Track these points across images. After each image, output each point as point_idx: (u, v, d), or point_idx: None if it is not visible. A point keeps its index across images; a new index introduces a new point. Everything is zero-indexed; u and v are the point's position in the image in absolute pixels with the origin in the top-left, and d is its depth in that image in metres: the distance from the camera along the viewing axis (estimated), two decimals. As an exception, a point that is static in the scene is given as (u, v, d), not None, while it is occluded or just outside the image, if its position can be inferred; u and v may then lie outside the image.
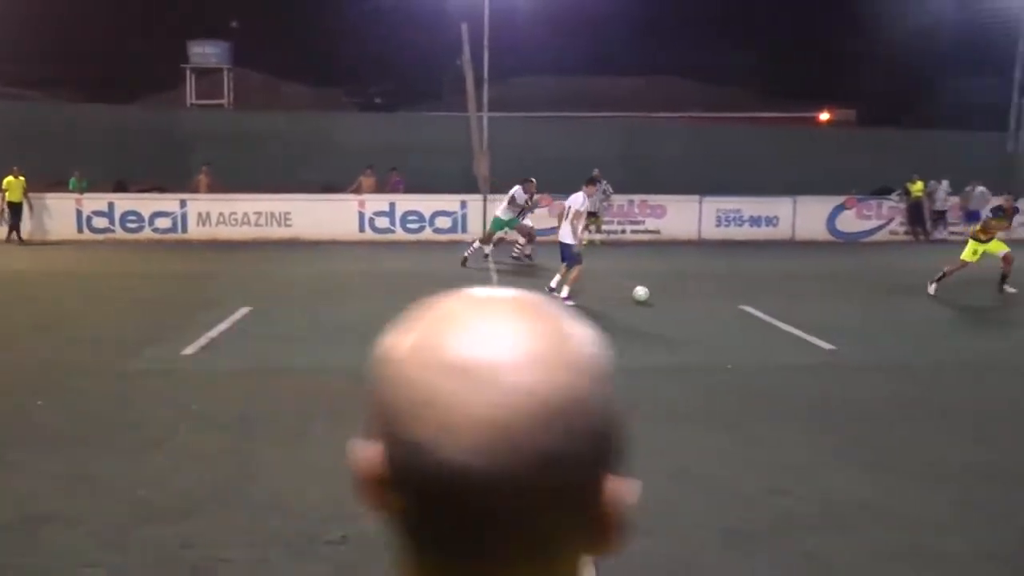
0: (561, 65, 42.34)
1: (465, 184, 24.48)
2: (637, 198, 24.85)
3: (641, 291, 13.87)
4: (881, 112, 36.55)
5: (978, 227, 15.93)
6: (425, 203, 24.34)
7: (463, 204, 24.30)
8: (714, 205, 25.06)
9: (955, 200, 26.31)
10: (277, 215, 23.87)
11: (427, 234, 24.09)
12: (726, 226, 25.02)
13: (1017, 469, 6.74)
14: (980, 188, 26.16)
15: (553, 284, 14.22)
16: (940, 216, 26.32)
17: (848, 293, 15.78)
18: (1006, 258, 15.23)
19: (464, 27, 24.75)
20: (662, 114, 33.99)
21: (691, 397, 8.68)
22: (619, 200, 24.25)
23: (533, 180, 18.72)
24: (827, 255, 22.11)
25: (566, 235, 14.11)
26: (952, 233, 26.28)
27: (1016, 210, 16.75)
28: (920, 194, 26.07)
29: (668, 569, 4.96)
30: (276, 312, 13.07)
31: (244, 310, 12.78)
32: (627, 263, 19.69)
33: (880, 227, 26.13)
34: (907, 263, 20.70)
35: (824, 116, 40.91)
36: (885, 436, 7.53)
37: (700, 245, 23.75)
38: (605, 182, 23.67)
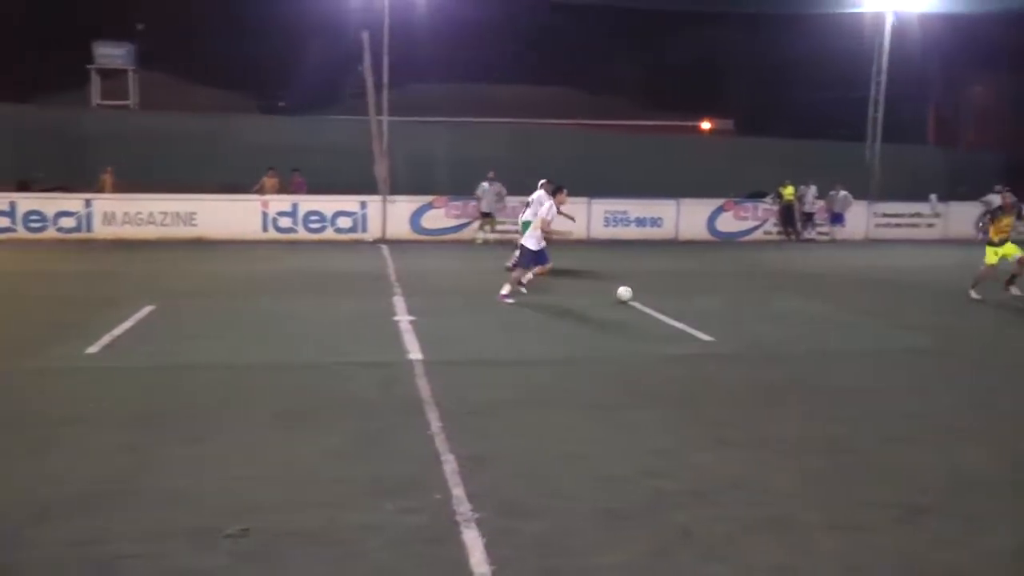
0: (457, 73, 42.31)
1: (365, 186, 24.27)
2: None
3: (625, 292, 13.71)
4: (757, 122, 37.47)
5: (991, 232, 15.44)
6: (327, 204, 24.09)
7: (363, 205, 24.12)
8: (602, 206, 25.40)
9: (822, 203, 27.21)
10: (182, 215, 23.33)
11: (329, 234, 23.84)
12: (614, 226, 25.37)
13: (863, 443, 7.02)
14: (843, 192, 27.17)
15: (523, 289, 14.24)
16: (809, 217, 27.20)
17: (726, 288, 16.16)
18: (1021, 261, 15.04)
19: (365, 35, 24.52)
20: (553, 121, 34.19)
21: (576, 386, 8.79)
22: (512, 202, 24.32)
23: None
24: (707, 253, 22.62)
25: (529, 240, 14.00)
26: (820, 233, 27.18)
27: (1016, 204, 16.47)
28: (791, 197, 26.90)
29: (548, 547, 5.02)
30: (180, 311, 12.76)
31: (148, 308, 12.44)
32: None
33: (755, 227, 26.87)
34: (780, 260, 21.32)
35: (705, 125, 41.75)
36: (754, 418, 7.76)
37: (589, 244, 24.00)
38: (499, 184, 23.77)
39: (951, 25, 31.78)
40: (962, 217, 28.23)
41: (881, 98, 29.04)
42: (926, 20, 30.22)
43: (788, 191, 26.87)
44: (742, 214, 26.77)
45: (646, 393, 8.55)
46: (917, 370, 10.10)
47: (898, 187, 28.42)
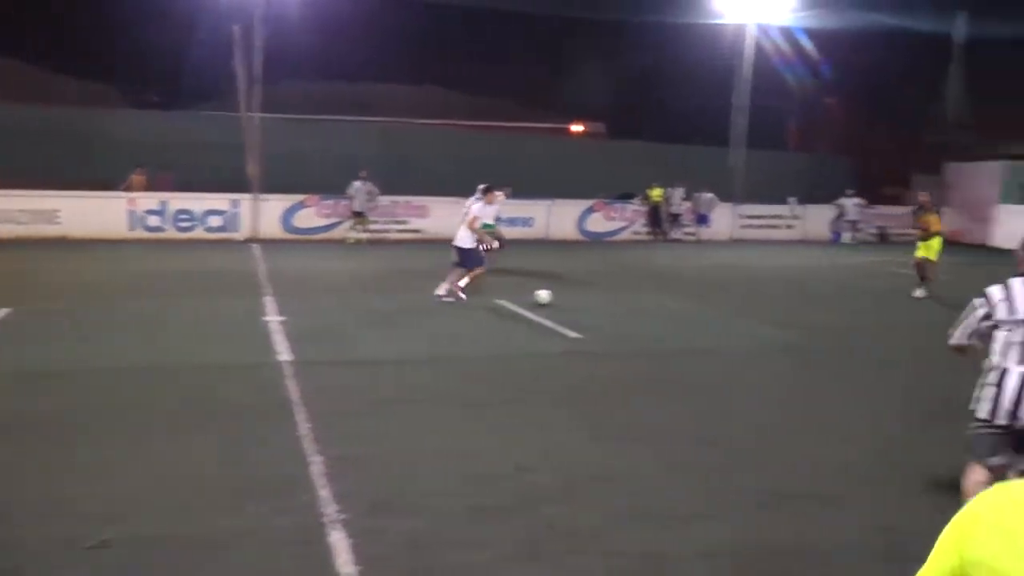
0: (332, 70, 41.64)
1: (237, 184, 23.63)
2: (401, 199, 24.87)
3: (544, 294, 13.54)
4: (628, 126, 38.11)
5: (918, 231, 16.41)
6: (197, 201, 23.36)
7: (235, 203, 23.51)
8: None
9: (688, 204, 27.94)
10: (44, 212, 22.22)
11: (199, 233, 23.12)
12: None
13: (729, 435, 7.22)
14: (708, 194, 27.99)
15: (441, 292, 13.76)
16: (675, 218, 27.90)
17: (595, 287, 16.39)
18: (920, 264, 15.90)
19: (236, 29, 23.92)
20: (427, 121, 34.05)
21: (447, 385, 8.75)
22: (384, 200, 24.18)
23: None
24: (578, 253, 22.91)
25: (463, 240, 13.83)
26: (686, 233, 27.87)
27: (932, 204, 17.12)
28: (659, 199, 27.52)
29: (417, 546, 4.97)
30: (40, 314, 12.06)
31: (4, 311, 11.80)
32: (392, 261, 19.68)
33: (624, 228, 27.43)
34: (648, 260, 21.77)
35: (578, 128, 42.24)
36: (623, 413, 7.89)
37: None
38: (371, 183, 23.54)
39: (809, 38, 33.08)
40: (818, 219, 29.58)
41: (744, 106, 29.99)
42: (786, 34, 31.41)
43: (656, 193, 27.51)
44: (611, 215, 27.27)
45: (517, 390, 8.58)
46: (781, 364, 10.47)
47: (761, 190, 29.39)
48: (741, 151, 30.01)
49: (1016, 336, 4.86)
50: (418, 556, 4.85)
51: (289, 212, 24.10)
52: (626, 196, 27.82)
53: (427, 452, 6.58)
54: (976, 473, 4.92)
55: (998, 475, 4.78)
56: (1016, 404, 4.79)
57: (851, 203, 29.29)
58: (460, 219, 14.42)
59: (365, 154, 24.85)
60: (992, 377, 4.91)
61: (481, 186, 15.07)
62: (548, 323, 12.10)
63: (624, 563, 4.89)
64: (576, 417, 7.71)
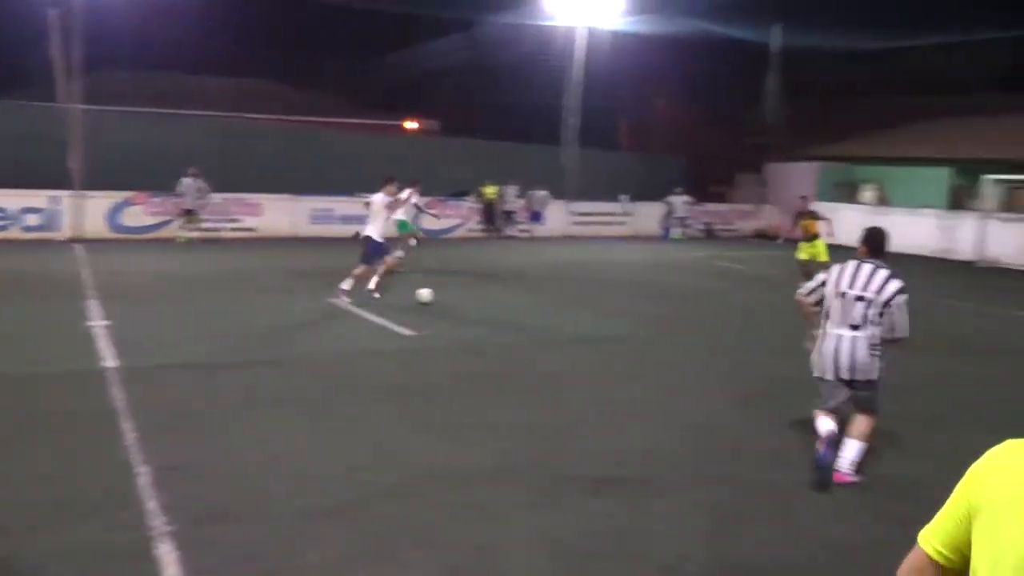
0: (158, 61, 40.04)
1: (58, 179, 22.39)
2: (233, 196, 24.24)
3: (425, 293, 13.59)
4: (462, 124, 38.31)
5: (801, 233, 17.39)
6: (12, 198, 21.96)
7: (55, 200, 22.28)
8: (308, 204, 25.10)
9: (522, 202, 28.41)
10: None
11: (15, 232, 21.72)
12: (321, 224, 25.14)
13: (563, 426, 7.45)
14: (542, 192, 28.55)
15: (346, 286, 13.55)
16: (509, 215, 28.33)
17: (430, 284, 16.40)
18: (807, 264, 16.37)
19: (52, 13, 22.72)
20: (259, 115, 33.27)
21: (279, 387, 8.64)
22: (216, 198, 23.52)
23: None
24: (413, 250, 22.81)
25: (374, 232, 13.88)
26: (520, 230, 28.30)
27: (811, 212, 18.04)
28: (493, 196, 27.87)
29: (250, 553, 4.93)
30: None
31: None
32: (226, 261, 19.22)
33: (459, 225, 27.61)
34: (483, 256, 22.03)
35: (411, 125, 42.16)
36: (459, 408, 8.03)
37: (295, 242, 23.63)
38: (202, 180, 22.86)
39: (640, 43, 34.16)
40: (649, 216, 30.68)
41: (577, 106, 30.71)
42: (617, 37, 32.33)
43: (490, 190, 27.87)
44: (446, 212, 27.37)
45: (350, 390, 8.57)
46: (614, 354, 10.89)
47: (593, 188, 30.18)
48: (574, 150, 30.74)
49: (836, 303, 6.43)
50: (252, 564, 4.81)
51: (115, 210, 23.08)
52: (460, 193, 28.01)
53: (259, 456, 6.52)
54: (821, 414, 6.47)
55: (836, 413, 6.43)
56: (834, 358, 6.39)
57: (680, 201, 30.48)
58: (369, 214, 14.39)
59: (197, 150, 24.03)
60: (821, 340, 6.54)
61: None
62: (383, 321, 12.13)
63: (459, 557, 5.00)
64: (409, 415, 7.78)
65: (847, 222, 30.21)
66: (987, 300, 17.41)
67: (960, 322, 14.76)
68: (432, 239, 26.19)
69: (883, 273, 6.38)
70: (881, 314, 6.33)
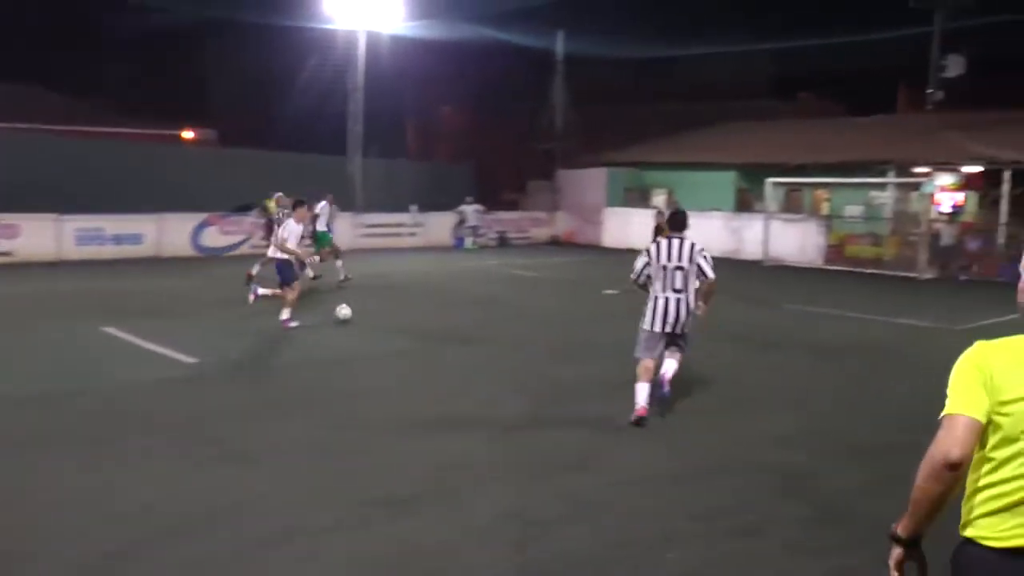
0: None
1: None
2: (-18, 217, 22.70)
3: (344, 311, 13.98)
4: (242, 133, 37.47)
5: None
6: None
7: None
8: (74, 224, 23.79)
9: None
10: None
11: None
12: (88, 245, 23.91)
13: (357, 445, 7.51)
14: (329, 205, 28.15)
15: (285, 315, 13.63)
16: (296, 230, 27.82)
17: (212, 306, 16.01)
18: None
19: None
20: (14, 124, 31.17)
21: (57, 423, 8.31)
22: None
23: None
24: (193, 271, 22.18)
25: (277, 254, 13.89)
26: (307, 245, 27.85)
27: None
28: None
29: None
30: None
31: None
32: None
33: (242, 241, 26.90)
34: (269, 274, 21.53)
35: (188, 135, 40.81)
36: (238, 436, 7.98)
37: (59, 266, 22.33)
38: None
39: (423, 48, 34.55)
40: (440, 225, 31.05)
41: (359, 112, 30.64)
42: (398, 42, 32.52)
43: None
44: (228, 228, 26.71)
45: (132, 423, 8.34)
46: (407, 368, 11.13)
47: (381, 199, 30.21)
48: (359, 159, 30.67)
49: (659, 274, 8.52)
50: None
51: None
52: (243, 208, 27.36)
53: (45, 499, 6.32)
54: (645, 362, 8.51)
55: (657, 362, 8.57)
56: (663, 315, 8.48)
57: (471, 209, 31.00)
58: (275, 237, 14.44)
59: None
60: (649, 302, 8.60)
61: (286, 200, 15.89)
62: (161, 349, 11.76)
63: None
64: (197, 445, 7.67)
65: (639, 226, 31.94)
66: (768, 296, 18.60)
67: (743, 317, 15.78)
68: (215, 257, 25.49)
69: (688, 243, 8.56)
70: (697, 276, 8.54)
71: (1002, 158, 24.91)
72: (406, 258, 26.67)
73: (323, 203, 18.94)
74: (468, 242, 30.81)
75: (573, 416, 8.80)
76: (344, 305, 14.28)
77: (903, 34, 34.23)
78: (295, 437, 7.96)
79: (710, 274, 8.56)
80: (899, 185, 26.84)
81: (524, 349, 12.45)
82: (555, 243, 34.03)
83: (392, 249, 29.24)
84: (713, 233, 27.88)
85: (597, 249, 31.74)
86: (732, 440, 8.11)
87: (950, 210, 26.28)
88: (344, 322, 13.91)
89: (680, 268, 8.46)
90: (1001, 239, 24.95)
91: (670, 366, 8.65)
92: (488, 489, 6.68)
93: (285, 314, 13.62)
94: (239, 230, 26.88)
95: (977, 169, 26.44)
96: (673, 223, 8.90)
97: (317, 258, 19.85)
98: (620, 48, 37.34)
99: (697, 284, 8.59)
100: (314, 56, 33.54)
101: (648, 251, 8.68)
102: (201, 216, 26.11)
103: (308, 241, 18.51)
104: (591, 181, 34.37)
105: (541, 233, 34.67)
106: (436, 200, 31.30)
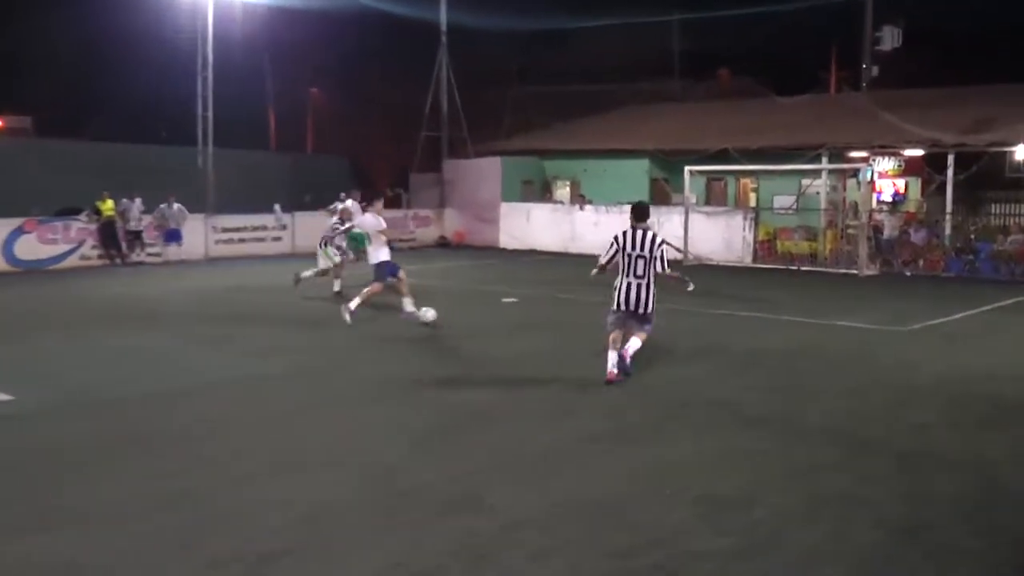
0: None
1: None
2: None
3: (429, 313, 15.03)
4: (64, 122, 36.36)
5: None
6: None
7: None
8: None
9: (151, 218, 27.19)
10: None
11: None
12: None
13: (208, 492, 7.18)
14: (177, 205, 27.41)
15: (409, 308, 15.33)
16: (136, 236, 27.00)
17: (34, 330, 15.39)
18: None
19: None
20: None
21: None
22: None
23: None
24: (8, 287, 21.34)
25: (381, 252, 15.84)
26: (150, 255, 27.11)
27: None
28: (112, 213, 26.48)
29: None
30: None
31: None
32: None
33: (70, 252, 26.02)
34: (104, 290, 20.90)
35: (-5, 124, 39.49)
36: (68, 488, 7.52)
37: None
38: None
39: (287, 18, 34.01)
40: (311, 227, 30.25)
41: (209, 95, 29.87)
42: (256, 10, 31.90)
43: (107, 206, 26.43)
44: (50, 236, 25.72)
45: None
46: (268, 396, 10.86)
47: (239, 198, 29.55)
48: (210, 150, 29.92)
49: (626, 261, 11.12)
50: None
51: None
52: (70, 211, 26.47)
53: None
54: (613, 334, 11.14)
55: (625, 336, 11.21)
56: (626, 297, 11.15)
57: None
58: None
59: None
60: (616, 285, 11.25)
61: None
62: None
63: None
64: (24, 498, 7.25)
65: (539, 221, 32.02)
66: (691, 299, 18.65)
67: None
68: (36, 271, 24.57)
69: (651, 235, 11.26)
70: (657, 264, 11.17)
71: (945, 141, 25.60)
72: (269, 267, 26.07)
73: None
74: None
75: (464, 448, 8.56)
76: (429, 309, 15.10)
77: (833, 1, 35.11)
78: (133, 484, 7.53)
79: (659, 268, 11.21)
80: (834, 172, 27.39)
81: (408, 372, 12.16)
82: (444, 245, 33.83)
83: (253, 257, 28.64)
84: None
85: (493, 251, 31.66)
86: (652, 467, 7.99)
87: (891, 199, 26.95)
88: (428, 324, 14.86)
89: (642, 257, 11.08)
90: (948, 230, 25.66)
91: (633, 344, 11.23)
92: (366, 542, 6.38)
93: (408, 305, 15.34)
94: (66, 238, 25.94)
95: (918, 153, 27.15)
96: (637, 214, 11.43)
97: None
98: (511, 20, 37.37)
99: (654, 279, 11.21)
100: (153, 27, 32.62)
101: (616, 239, 11.29)
102: (15, 222, 25.10)
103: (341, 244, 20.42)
104: (484, 172, 34.26)
105: (428, 234, 34.41)
106: (305, 198, 30.81)
